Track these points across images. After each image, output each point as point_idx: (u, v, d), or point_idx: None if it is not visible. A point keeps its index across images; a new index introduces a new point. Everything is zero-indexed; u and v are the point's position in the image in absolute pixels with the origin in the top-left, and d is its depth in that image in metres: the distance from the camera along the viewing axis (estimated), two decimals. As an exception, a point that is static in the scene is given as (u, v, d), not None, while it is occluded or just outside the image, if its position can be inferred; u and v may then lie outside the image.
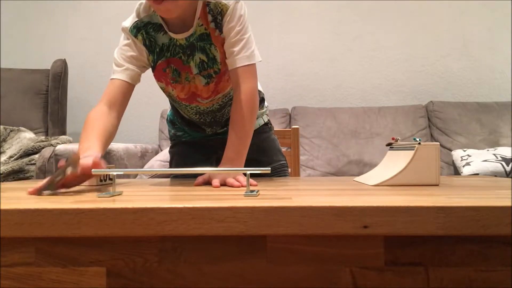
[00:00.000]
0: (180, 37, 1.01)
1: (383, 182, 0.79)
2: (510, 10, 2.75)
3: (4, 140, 2.24)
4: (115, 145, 1.93)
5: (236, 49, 1.00)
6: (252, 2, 2.65)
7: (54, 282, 0.54)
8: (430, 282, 0.53)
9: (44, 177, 1.93)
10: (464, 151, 2.32)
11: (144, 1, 1.02)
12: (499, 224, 0.51)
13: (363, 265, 0.54)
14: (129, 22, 1.03)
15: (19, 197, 0.67)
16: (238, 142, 0.99)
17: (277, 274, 0.54)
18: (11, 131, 2.29)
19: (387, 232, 0.51)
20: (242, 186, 0.80)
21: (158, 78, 1.08)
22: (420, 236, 0.53)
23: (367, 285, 0.53)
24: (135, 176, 1.79)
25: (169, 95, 1.14)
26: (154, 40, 1.03)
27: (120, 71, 1.01)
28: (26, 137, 2.24)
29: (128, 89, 1.02)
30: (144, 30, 1.02)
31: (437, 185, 0.80)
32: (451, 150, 2.45)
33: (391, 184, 0.79)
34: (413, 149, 0.81)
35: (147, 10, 1.02)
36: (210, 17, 1.00)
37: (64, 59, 2.64)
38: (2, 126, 2.29)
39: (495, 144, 2.45)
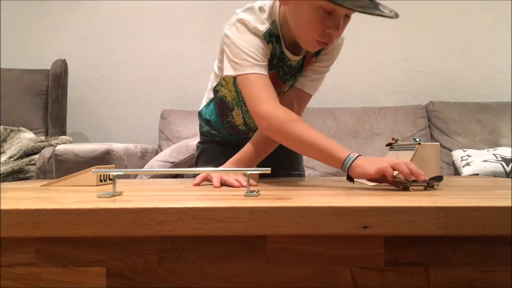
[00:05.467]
0: (296, 58, 1.04)
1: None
2: (510, 10, 2.75)
3: (4, 140, 2.24)
4: (115, 145, 1.92)
5: (314, 76, 1.07)
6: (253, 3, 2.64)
7: (54, 282, 0.54)
8: (430, 282, 0.53)
9: (44, 177, 1.93)
10: (464, 151, 2.32)
11: (273, 5, 0.98)
12: (499, 224, 0.51)
13: (363, 265, 0.54)
14: (258, 23, 0.96)
15: (19, 197, 0.67)
16: (254, 151, 1.01)
17: (277, 274, 0.54)
18: (11, 131, 2.28)
19: (387, 232, 0.51)
20: (242, 186, 0.81)
21: None
22: (420, 236, 0.53)
23: (367, 285, 0.53)
24: (135, 176, 1.78)
25: (238, 101, 1.11)
26: (274, 51, 1.00)
27: (264, 66, 0.95)
28: (26, 137, 2.23)
29: None
30: (274, 39, 0.99)
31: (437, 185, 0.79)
32: (451, 150, 2.45)
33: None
34: (413, 149, 0.81)
35: (273, 17, 0.98)
36: None
37: (64, 59, 2.64)
38: (2, 126, 2.29)
39: (495, 144, 2.44)
